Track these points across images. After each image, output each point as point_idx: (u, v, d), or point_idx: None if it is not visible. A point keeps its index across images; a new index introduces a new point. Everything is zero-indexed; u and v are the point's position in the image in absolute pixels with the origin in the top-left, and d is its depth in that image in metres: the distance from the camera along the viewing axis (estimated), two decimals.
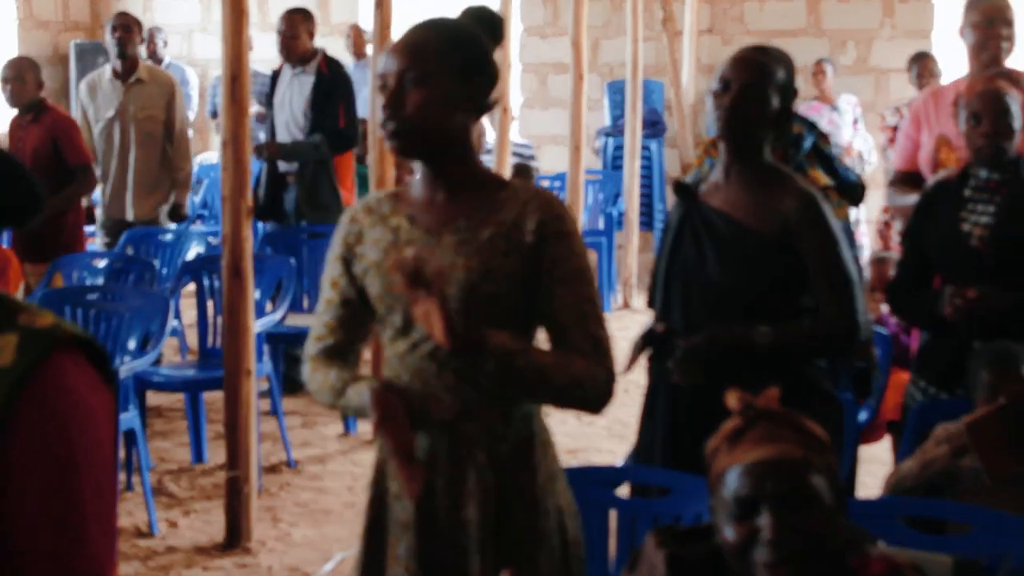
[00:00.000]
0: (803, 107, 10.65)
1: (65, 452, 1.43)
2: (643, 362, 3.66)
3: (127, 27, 7.88)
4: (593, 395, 2.59)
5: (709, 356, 3.42)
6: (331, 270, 2.78)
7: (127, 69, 7.86)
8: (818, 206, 3.48)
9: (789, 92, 3.56)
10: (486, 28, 2.72)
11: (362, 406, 2.64)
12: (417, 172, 2.73)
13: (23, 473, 1.41)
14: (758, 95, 3.48)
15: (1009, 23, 4.92)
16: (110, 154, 7.84)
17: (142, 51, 10.06)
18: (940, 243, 4.24)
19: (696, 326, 3.47)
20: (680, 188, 3.67)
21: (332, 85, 7.81)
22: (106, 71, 7.97)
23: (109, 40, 7.90)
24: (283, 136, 7.86)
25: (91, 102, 7.93)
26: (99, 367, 1.51)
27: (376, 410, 2.57)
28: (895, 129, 8.32)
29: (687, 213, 3.59)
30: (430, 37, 2.63)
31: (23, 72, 7.32)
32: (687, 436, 3.48)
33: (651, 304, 3.77)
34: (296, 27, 7.81)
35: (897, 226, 8.08)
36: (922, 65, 9.94)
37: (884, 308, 5.95)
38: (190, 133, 11.68)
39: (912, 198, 4.89)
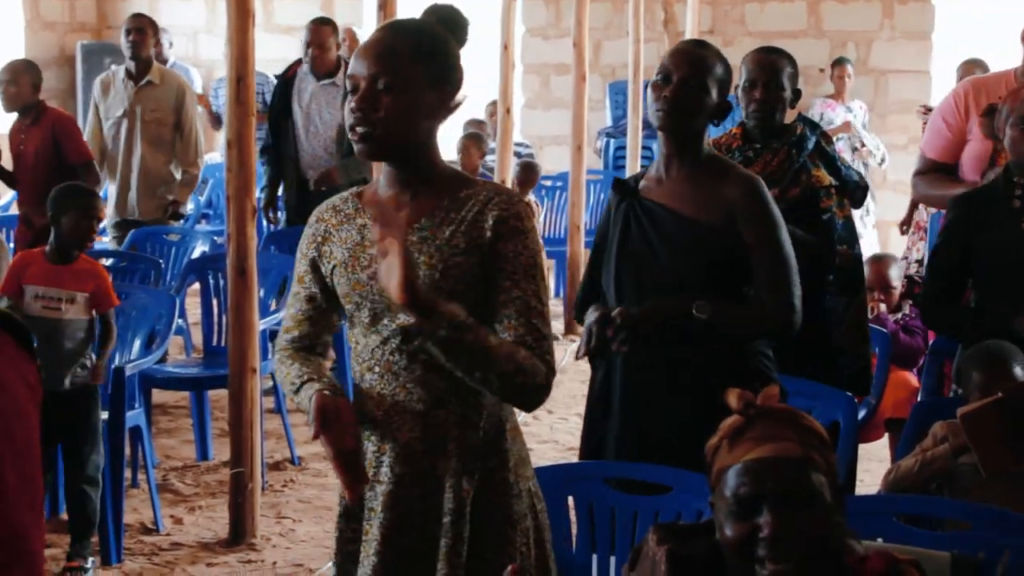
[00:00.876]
0: (818, 104, 10.69)
1: None
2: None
3: (141, 30, 7.92)
4: (532, 386, 2.62)
5: (646, 323, 3.46)
6: (299, 267, 2.87)
7: (140, 71, 7.90)
8: (760, 191, 3.53)
9: (727, 86, 3.60)
10: (452, 29, 2.77)
11: (308, 409, 2.71)
12: (382, 172, 2.78)
13: None
14: (697, 88, 3.51)
15: None
16: (117, 153, 7.89)
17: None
18: (1003, 256, 4.07)
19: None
20: (619, 184, 3.70)
21: None
22: (120, 71, 8.01)
23: (123, 42, 7.94)
24: (309, 147, 7.82)
25: (103, 100, 7.98)
26: (22, 344, 1.54)
27: (316, 417, 2.64)
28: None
29: (630, 208, 3.62)
30: (401, 42, 2.67)
31: (18, 75, 7.31)
32: (638, 423, 3.54)
33: (579, 316, 3.76)
34: (326, 39, 7.80)
35: (921, 215, 7.82)
36: (967, 71, 9.63)
37: (882, 307, 5.99)
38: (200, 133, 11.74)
39: (946, 191, 4.74)
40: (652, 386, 3.54)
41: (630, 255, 3.60)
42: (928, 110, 8.22)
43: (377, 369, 2.73)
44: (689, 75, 3.51)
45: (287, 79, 7.95)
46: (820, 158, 4.43)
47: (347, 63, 7.88)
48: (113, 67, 8.15)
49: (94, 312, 5.14)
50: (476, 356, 2.57)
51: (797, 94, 4.42)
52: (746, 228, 3.48)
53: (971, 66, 9.07)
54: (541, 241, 2.77)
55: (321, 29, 7.81)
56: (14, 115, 7.43)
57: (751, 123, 4.39)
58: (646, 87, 11.37)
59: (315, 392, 2.68)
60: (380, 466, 2.74)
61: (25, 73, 7.34)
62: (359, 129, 2.64)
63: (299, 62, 7.98)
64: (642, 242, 3.57)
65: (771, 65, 4.35)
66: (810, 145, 4.41)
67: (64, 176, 7.08)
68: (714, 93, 3.54)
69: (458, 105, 2.77)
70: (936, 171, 5.06)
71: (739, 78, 4.36)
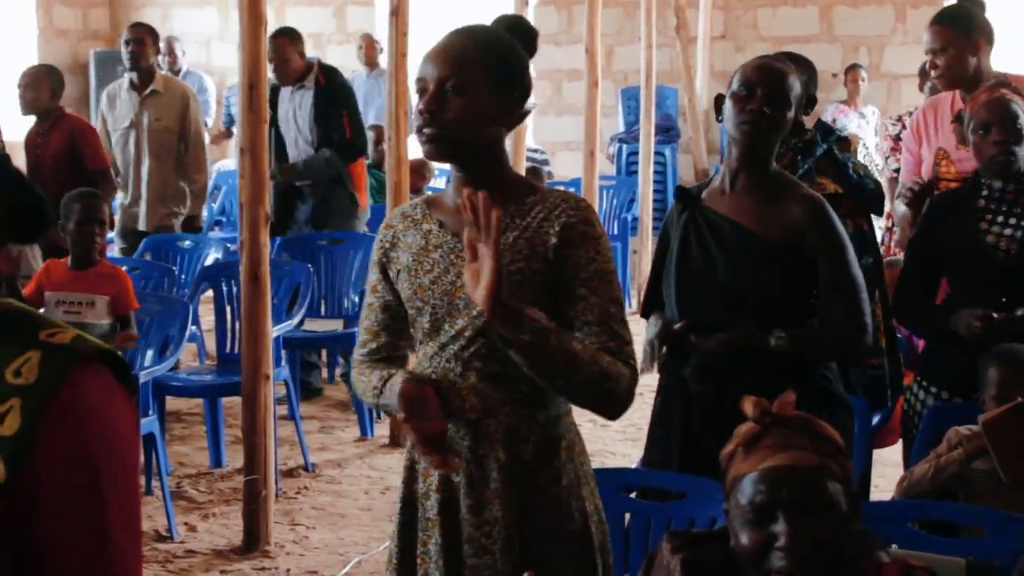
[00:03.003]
0: (831, 109, 10.68)
1: (90, 467, 1.42)
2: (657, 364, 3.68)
3: (139, 40, 7.91)
4: (617, 392, 2.59)
5: (722, 361, 3.45)
6: (371, 275, 2.85)
7: (143, 81, 7.91)
8: (826, 212, 3.52)
9: (802, 102, 3.59)
10: (521, 39, 2.77)
11: (393, 402, 2.68)
12: (451, 177, 2.78)
13: (50, 490, 1.40)
14: (781, 102, 3.50)
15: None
16: (126, 164, 7.91)
17: (162, 61, 10.12)
18: (959, 253, 4.20)
19: (708, 330, 3.50)
20: (682, 193, 3.69)
21: (332, 96, 7.85)
22: (125, 81, 8.02)
23: (123, 53, 7.96)
24: (293, 153, 7.91)
25: (110, 111, 7.99)
26: (121, 379, 1.50)
27: (402, 402, 2.61)
28: (896, 138, 8.29)
29: (691, 219, 3.61)
30: (471, 46, 2.66)
31: (37, 80, 7.35)
32: (702, 442, 3.50)
33: (645, 314, 3.77)
34: (284, 50, 7.83)
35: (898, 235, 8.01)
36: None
37: None
38: (207, 141, 11.77)
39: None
40: (715, 407, 3.49)
41: (689, 265, 3.58)
42: (898, 119, 8.33)
43: (433, 377, 2.71)
44: (774, 89, 3.48)
45: (272, 89, 7.98)
46: (830, 165, 4.39)
47: (320, 64, 7.96)
48: (122, 77, 8.16)
49: (116, 316, 5.18)
50: (560, 362, 2.53)
51: (811, 100, 4.40)
52: (815, 248, 3.47)
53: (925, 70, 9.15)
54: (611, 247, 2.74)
55: (279, 43, 7.78)
56: (31, 121, 7.46)
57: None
58: (658, 92, 11.42)
59: (400, 380, 2.66)
60: (433, 475, 2.73)
61: (45, 78, 7.36)
62: (427, 130, 2.64)
63: None
64: (701, 253, 3.55)
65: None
66: (819, 152, 4.38)
67: (81, 182, 7.10)
68: (793, 109, 3.53)
69: (527, 113, 2.76)
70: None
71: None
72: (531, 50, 2.80)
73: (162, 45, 11.69)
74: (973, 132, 4.21)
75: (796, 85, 3.55)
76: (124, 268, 6.95)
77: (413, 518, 2.78)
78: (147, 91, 7.88)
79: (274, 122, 7.88)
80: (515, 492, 2.67)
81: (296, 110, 7.90)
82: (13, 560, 1.41)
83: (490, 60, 2.65)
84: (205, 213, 10.21)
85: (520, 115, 2.74)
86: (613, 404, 2.62)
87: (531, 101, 2.79)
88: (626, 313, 2.69)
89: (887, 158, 8.40)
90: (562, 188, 3.02)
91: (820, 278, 3.47)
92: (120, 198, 7.96)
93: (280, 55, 7.78)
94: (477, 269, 2.46)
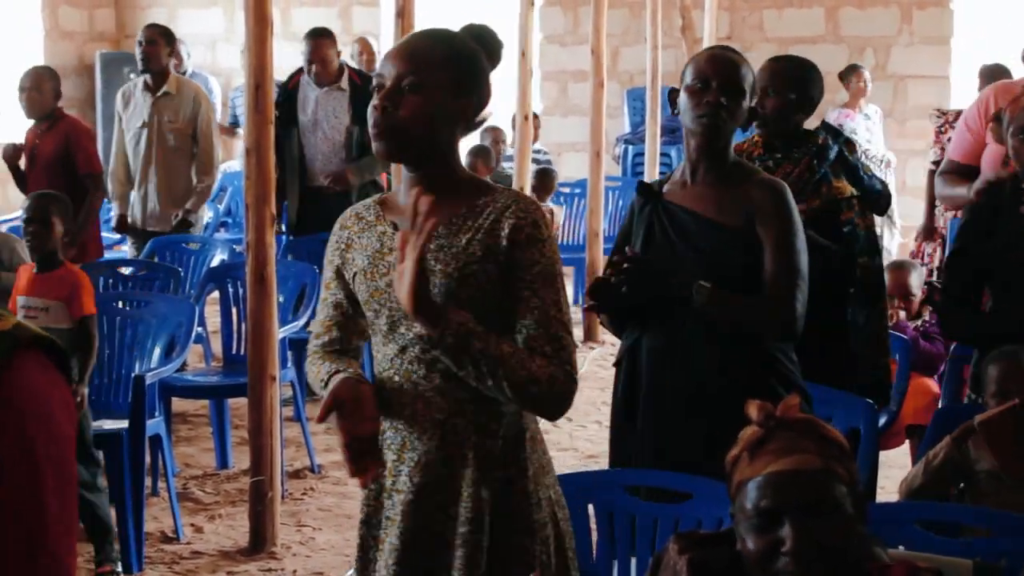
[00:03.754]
0: (835, 114, 10.65)
1: (27, 448, 1.48)
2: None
3: (152, 41, 7.93)
4: (549, 394, 2.60)
5: (647, 280, 3.45)
6: (326, 273, 2.88)
7: (156, 82, 7.93)
8: (783, 194, 3.54)
9: (753, 92, 3.59)
10: (485, 47, 2.79)
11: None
12: (402, 179, 2.79)
13: None
14: (736, 93, 3.51)
15: None
16: (137, 163, 7.92)
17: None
18: (1007, 261, 4.10)
19: (682, 323, 3.50)
20: (643, 187, 3.69)
21: (369, 94, 7.82)
22: (140, 82, 8.06)
23: (137, 54, 7.98)
24: (315, 154, 7.86)
25: (124, 112, 8.02)
26: (59, 365, 1.56)
27: (327, 400, 2.65)
28: (939, 132, 8.22)
29: (653, 212, 3.61)
30: (432, 47, 2.69)
31: (41, 82, 7.36)
32: (667, 434, 3.52)
33: (597, 306, 3.68)
34: (325, 51, 7.81)
35: (938, 221, 7.93)
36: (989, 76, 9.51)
37: (902, 314, 5.97)
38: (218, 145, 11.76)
39: (955, 189, 4.87)
40: (676, 393, 3.52)
41: (653, 257, 3.58)
42: (942, 114, 8.24)
43: (396, 378, 2.73)
44: (729, 80, 3.50)
45: (289, 90, 7.96)
46: (842, 167, 4.39)
47: (351, 69, 7.93)
48: (133, 76, 8.18)
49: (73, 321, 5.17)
50: (486, 364, 2.56)
51: (808, 101, 4.36)
52: (762, 227, 3.48)
53: (993, 71, 8.99)
54: (558, 249, 2.76)
55: (320, 43, 7.80)
56: (29, 120, 7.47)
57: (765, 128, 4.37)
58: (665, 93, 11.41)
59: (338, 379, 2.69)
60: (399, 475, 2.74)
61: (49, 80, 7.39)
62: (380, 124, 2.66)
63: (300, 71, 8.00)
64: (665, 245, 3.57)
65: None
66: (832, 155, 4.37)
67: (75, 184, 7.12)
68: (748, 99, 3.54)
69: (482, 121, 2.78)
70: (957, 172, 5.12)
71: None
72: (495, 60, 2.82)
73: None
74: (1013, 135, 4.13)
75: (749, 75, 3.56)
76: (126, 270, 6.99)
77: (376, 515, 2.80)
78: (160, 92, 7.90)
79: (296, 123, 7.85)
80: (486, 487, 2.69)
81: (328, 113, 7.84)
82: None
83: (450, 62, 2.68)
84: (210, 214, 10.22)
85: (475, 122, 2.76)
86: (544, 406, 2.65)
87: (487, 110, 2.80)
88: (569, 316, 2.69)
89: (932, 151, 8.35)
90: (513, 189, 3.03)
91: (765, 258, 3.48)
92: (132, 198, 7.98)
93: (320, 55, 7.77)
94: (402, 271, 2.51)
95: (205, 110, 7.99)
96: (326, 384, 2.75)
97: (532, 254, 2.65)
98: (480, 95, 2.74)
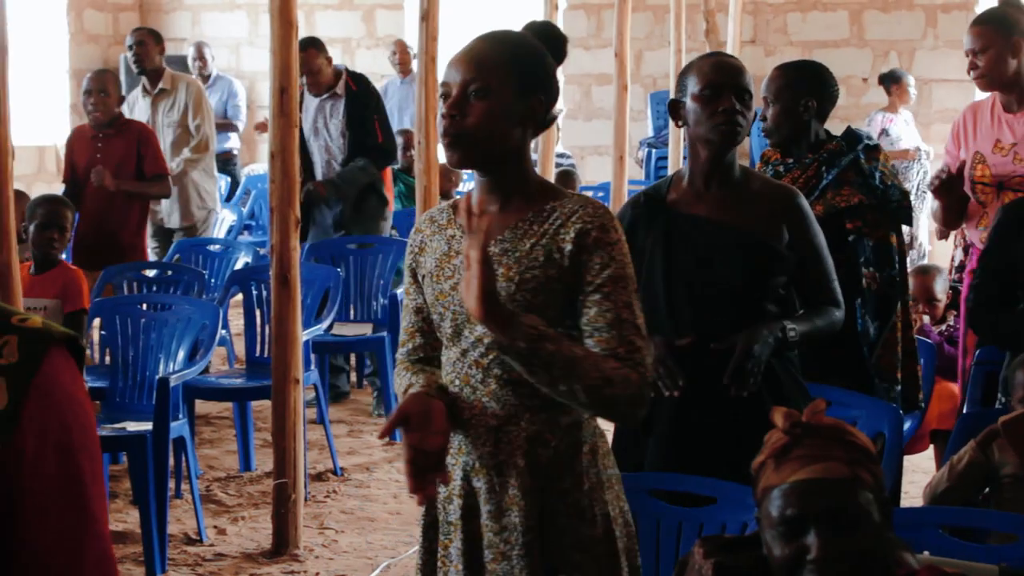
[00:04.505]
0: (880, 118, 10.61)
1: (66, 441, 1.53)
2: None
3: (141, 42, 8.05)
4: (624, 397, 2.56)
5: (754, 365, 3.43)
6: (406, 278, 2.88)
7: (152, 81, 8.07)
8: (801, 200, 3.58)
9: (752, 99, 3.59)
10: (550, 45, 2.77)
11: None
12: (474, 183, 2.78)
13: (34, 463, 1.50)
14: (749, 100, 3.49)
15: None
16: None
17: (192, 65, 10.20)
18: None
19: (711, 333, 3.47)
20: (650, 200, 3.62)
21: (364, 101, 7.86)
22: (137, 89, 8.17)
23: (129, 58, 8.09)
24: (320, 162, 7.91)
25: (130, 117, 8.07)
26: (78, 362, 1.61)
27: (394, 415, 2.64)
28: None
29: (670, 226, 3.55)
30: (496, 51, 2.67)
31: (106, 84, 7.35)
32: (686, 440, 3.51)
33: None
34: (314, 61, 7.80)
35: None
36: None
37: (926, 319, 5.95)
38: (232, 145, 11.81)
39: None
40: (694, 401, 3.49)
41: (681, 271, 3.53)
42: None
43: (457, 382, 2.72)
44: (739, 86, 3.48)
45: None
46: (856, 175, 4.33)
47: (348, 74, 7.96)
48: (136, 89, 8.29)
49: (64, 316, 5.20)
50: (558, 368, 2.52)
51: (807, 107, 4.32)
52: (796, 236, 3.51)
53: None
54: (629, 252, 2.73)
55: (307, 55, 7.68)
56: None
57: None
58: None
59: (410, 392, 2.68)
60: (457, 480, 2.73)
61: (113, 83, 7.40)
62: (450, 134, 2.64)
63: None
64: (692, 258, 3.52)
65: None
66: (843, 162, 4.32)
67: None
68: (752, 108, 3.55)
69: (553, 119, 2.76)
70: None
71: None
72: (560, 56, 2.80)
73: (191, 50, 11.81)
74: None
75: (751, 79, 3.55)
76: (150, 272, 7.02)
77: (436, 519, 2.79)
78: (156, 91, 8.00)
79: (300, 130, 7.87)
80: (535, 498, 2.67)
81: (326, 119, 7.89)
82: None
83: (514, 64, 2.65)
84: (234, 217, 10.26)
85: (547, 120, 2.73)
86: (619, 409, 2.62)
87: (558, 106, 2.79)
88: (642, 319, 2.66)
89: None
90: (587, 194, 3.01)
91: (803, 265, 3.53)
92: None
93: (310, 66, 7.76)
94: (469, 276, 2.48)
95: (197, 95, 8.10)
96: (405, 395, 2.74)
97: (600, 257, 2.62)
98: (548, 93, 2.71)
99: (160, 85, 8.04)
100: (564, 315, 2.64)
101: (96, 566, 1.55)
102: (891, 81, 10.84)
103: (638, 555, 2.82)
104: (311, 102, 7.93)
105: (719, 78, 3.48)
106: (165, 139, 7.95)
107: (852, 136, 4.42)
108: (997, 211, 4.36)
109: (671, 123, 10.77)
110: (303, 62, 7.72)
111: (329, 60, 7.98)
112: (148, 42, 8.04)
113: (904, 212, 4.46)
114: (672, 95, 3.64)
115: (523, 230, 2.67)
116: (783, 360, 3.54)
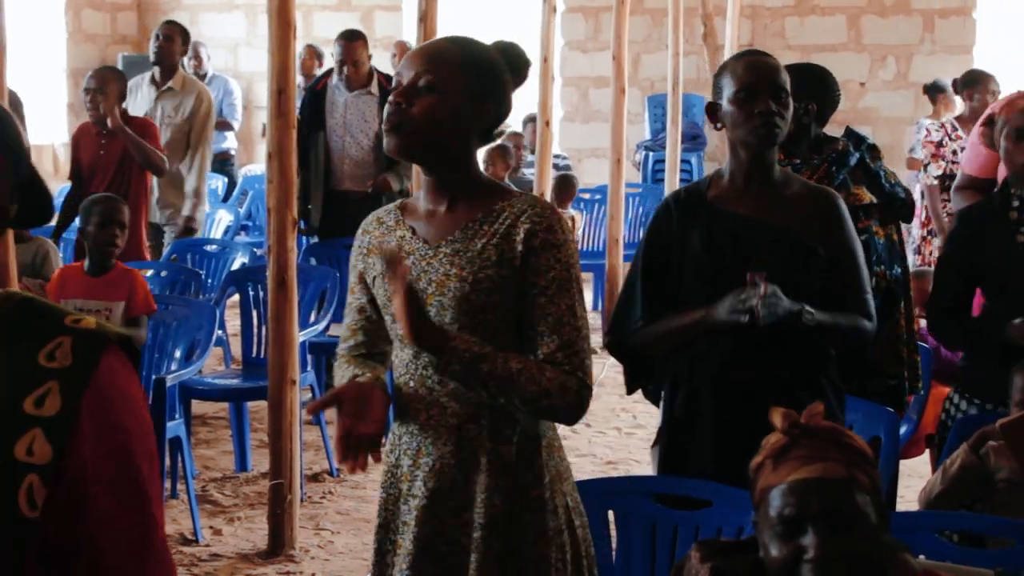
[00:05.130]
0: (926, 123, 10.56)
1: (124, 441, 1.53)
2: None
3: (169, 36, 8.03)
4: (562, 405, 2.63)
5: (774, 310, 3.32)
6: (351, 277, 2.92)
7: (163, 76, 8.04)
8: (840, 202, 3.57)
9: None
10: (510, 62, 2.80)
11: None
12: (421, 183, 2.82)
13: (95, 464, 1.49)
14: (787, 99, 3.47)
15: None
16: None
17: (187, 64, 10.17)
18: (999, 267, 4.12)
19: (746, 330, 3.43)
20: (691, 196, 3.60)
21: None
22: (147, 76, 8.12)
23: (151, 47, 8.05)
24: (345, 159, 7.78)
25: (129, 101, 8.01)
26: (133, 362, 1.62)
27: (328, 394, 2.71)
28: (939, 144, 8.23)
29: (712, 223, 3.52)
30: (453, 50, 2.72)
31: (106, 83, 7.31)
32: (737, 444, 3.48)
33: (614, 341, 3.65)
34: (359, 53, 7.76)
35: (937, 241, 8.01)
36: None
37: (922, 323, 5.94)
38: (229, 145, 11.79)
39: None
40: (741, 407, 3.45)
41: (719, 267, 3.50)
42: (940, 126, 8.26)
43: (412, 384, 2.74)
44: (775, 86, 3.45)
45: (316, 92, 7.93)
46: (864, 174, 4.37)
47: (380, 73, 7.90)
48: (143, 74, 8.24)
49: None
50: (495, 385, 2.60)
51: (807, 110, 4.31)
52: (835, 238, 3.50)
53: (966, 80, 8.92)
54: (577, 254, 2.76)
55: (353, 45, 7.75)
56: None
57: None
58: (685, 100, 11.42)
59: (349, 377, 2.75)
60: (414, 480, 2.75)
61: (115, 82, 7.35)
62: (392, 119, 2.68)
63: (329, 74, 7.98)
64: (730, 254, 3.50)
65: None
66: (852, 161, 4.35)
67: (143, 183, 7.20)
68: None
69: (500, 133, 2.81)
70: (973, 187, 5.10)
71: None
72: (519, 77, 2.83)
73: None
74: (1006, 138, 4.14)
75: (787, 77, 3.51)
76: (147, 272, 7.01)
77: (392, 520, 2.81)
78: (164, 87, 7.97)
79: (322, 126, 7.83)
80: (500, 494, 2.69)
81: (357, 117, 7.78)
82: (60, 547, 1.50)
83: (468, 66, 2.70)
84: (231, 217, 10.25)
85: (492, 132, 2.78)
86: (558, 417, 2.70)
87: (506, 123, 2.81)
88: (585, 322, 2.68)
89: (926, 165, 8.33)
90: (532, 194, 3.04)
91: (840, 269, 3.51)
92: None
93: (353, 57, 7.72)
94: (396, 307, 2.57)
95: (205, 110, 8.03)
96: None
97: (547, 259, 2.65)
98: (499, 104, 2.75)
99: (170, 84, 8.01)
100: (515, 314, 2.68)
101: (157, 571, 1.55)
102: (936, 91, 10.85)
103: (592, 543, 2.86)
104: (341, 96, 7.79)
105: (753, 80, 3.44)
106: (161, 136, 7.92)
107: (854, 137, 4.45)
108: (955, 216, 4.39)
109: (668, 125, 10.84)
110: (348, 52, 7.72)
111: (370, 57, 7.95)
112: (176, 39, 8.04)
113: (907, 210, 4.51)
114: (709, 98, 3.60)
115: (474, 230, 2.70)
116: (827, 371, 3.54)
